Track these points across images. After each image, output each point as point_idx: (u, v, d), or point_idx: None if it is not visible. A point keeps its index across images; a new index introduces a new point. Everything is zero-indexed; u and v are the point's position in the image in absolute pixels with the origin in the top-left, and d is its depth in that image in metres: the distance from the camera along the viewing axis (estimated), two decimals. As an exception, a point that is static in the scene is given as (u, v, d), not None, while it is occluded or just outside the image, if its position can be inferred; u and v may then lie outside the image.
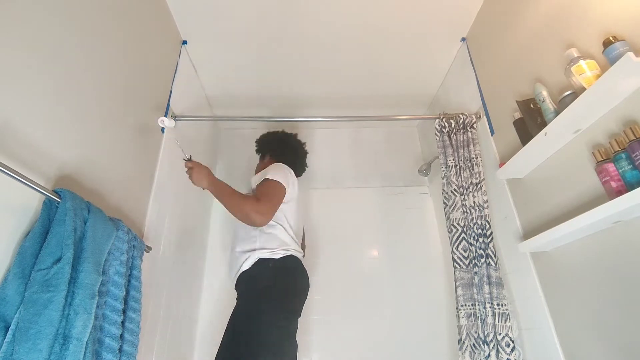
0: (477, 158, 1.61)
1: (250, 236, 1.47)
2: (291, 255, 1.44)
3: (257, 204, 1.33)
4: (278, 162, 1.69)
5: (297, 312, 1.42)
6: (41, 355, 0.71)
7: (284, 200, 1.47)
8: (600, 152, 0.98)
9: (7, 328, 0.71)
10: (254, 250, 1.41)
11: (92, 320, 0.82)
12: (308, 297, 1.51)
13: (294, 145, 1.89)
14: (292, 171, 1.62)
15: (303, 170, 1.93)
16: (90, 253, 0.86)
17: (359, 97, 2.35)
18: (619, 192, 0.90)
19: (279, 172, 1.51)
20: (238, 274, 1.44)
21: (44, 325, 0.72)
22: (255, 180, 1.58)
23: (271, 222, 1.42)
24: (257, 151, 1.93)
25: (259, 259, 1.40)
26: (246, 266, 1.40)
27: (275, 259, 1.40)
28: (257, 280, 1.37)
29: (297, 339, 1.38)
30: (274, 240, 1.43)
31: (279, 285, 1.35)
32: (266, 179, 1.47)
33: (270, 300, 1.31)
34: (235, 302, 1.45)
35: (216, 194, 1.40)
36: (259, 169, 1.81)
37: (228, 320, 1.39)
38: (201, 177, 1.40)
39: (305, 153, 1.94)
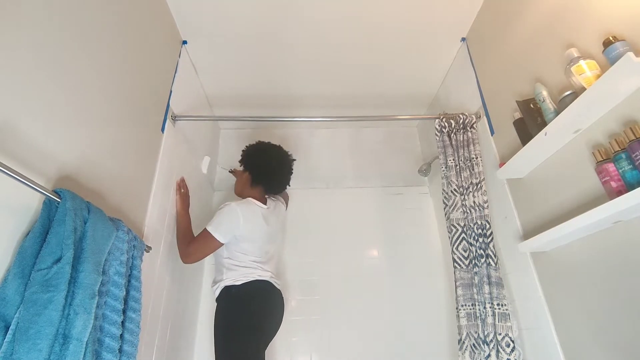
0: (477, 158, 1.61)
1: (217, 268, 1.64)
2: (255, 281, 1.53)
3: (186, 247, 1.55)
4: (253, 182, 1.73)
5: (259, 331, 1.49)
6: (41, 355, 0.71)
7: (239, 240, 1.56)
8: (600, 152, 0.98)
9: (7, 328, 0.71)
10: (221, 280, 1.56)
11: (92, 320, 0.82)
12: (308, 297, 1.53)
13: (273, 168, 1.74)
14: (249, 211, 1.59)
15: (284, 184, 1.81)
16: (90, 253, 0.86)
17: (359, 97, 2.36)
18: (619, 192, 0.90)
19: (220, 223, 1.54)
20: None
21: (44, 325, 0.72)
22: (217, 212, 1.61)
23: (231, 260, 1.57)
24: (240, 162, 1.81)
25: (225, 287, 1.54)
26: (217, 294, 1.57)
27: (237, 285, 1.52)
28: (221, 306, 1.54)
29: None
30: (237, 271, 1.55)
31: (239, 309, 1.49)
32: (205, 228, 1.55)
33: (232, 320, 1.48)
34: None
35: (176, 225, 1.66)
36: (237, 184, 1.82)
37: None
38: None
39: (287, 170, 1.80)
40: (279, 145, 1.84)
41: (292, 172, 1.82)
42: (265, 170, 1.72)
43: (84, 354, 0.80)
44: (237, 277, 1.53)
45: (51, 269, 0.76)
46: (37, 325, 0.71)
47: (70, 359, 0.75)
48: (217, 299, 1.56)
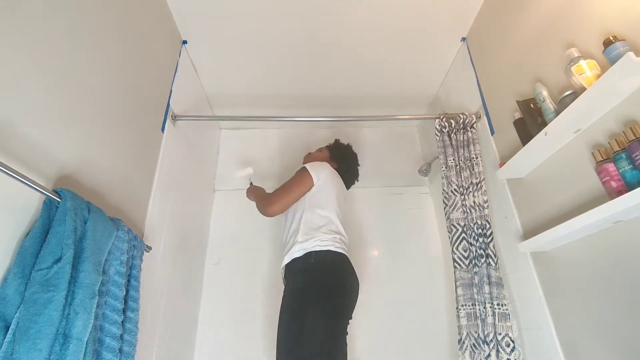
0: (477, 158, 1.61)
1: None
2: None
3: (271, 196, 1.66)
4: (331, 157, 1.95)
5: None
6: (41, 355, 0.71)
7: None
8: (600, 152, 0.98)
9: (7, 328, 0.71)
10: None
11: (92, 320, 0.82)
12: None
13: (351, 155, 2.01)
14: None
15: (352, 175, 1.98)
16: (90, 253, 0.86)
17: (359, 97, 2.35)
18: (619, 192, 0.90)
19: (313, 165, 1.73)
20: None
21: (44, 325, 0.72)
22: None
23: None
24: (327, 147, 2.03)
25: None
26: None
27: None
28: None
29: None
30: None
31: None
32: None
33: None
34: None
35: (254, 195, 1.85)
36: (310, 158, 1.97)
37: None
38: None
39: (354, 169, 2.01)
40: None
41: (356, 177, 2.01)
42: (344, 152, 1.96)
43: (84, 353, 0.80)
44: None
45: (51, 268, 0.76)
46: (37, 325, 0.71)
47: (70, 358, 0.75)
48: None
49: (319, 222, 1.54)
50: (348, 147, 2.01)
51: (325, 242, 1.47)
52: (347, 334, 1.46)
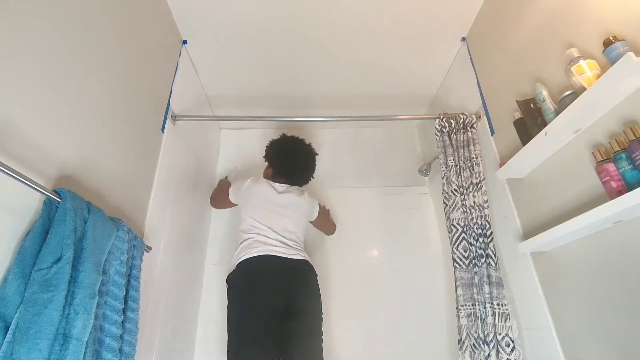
0: (477, 158, 1.61)
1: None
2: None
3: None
4: (267, 166, 1.99)
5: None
6: (41, 355, 0.71)
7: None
8: (600, 152, 0.98)
9: (7, 328, 0.71)
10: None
11: (92, 320, 0.82)
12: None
13: (281, 152, 1.96)
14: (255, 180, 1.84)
15: (295, 170, 1.93)
16: (90, 253, 0.86)
17: (359, 97, 2.35)
18: (619, 192, 0.90)
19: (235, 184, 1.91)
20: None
21: (44, 325, 0.72)
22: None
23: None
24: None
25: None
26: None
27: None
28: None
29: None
30: None
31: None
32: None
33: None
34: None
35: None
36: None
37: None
38: None
39: (299, 157, 1.94)
40: (300, 139, 2.00)
41: (308, 164, 1.96)
42: (273, 154, 1.94)
43: (84, 353, 0.80)
44: None
45: (51, 268, 0.76)
46: (37, 325, 0.71)
47: (70, 358, 0.75)
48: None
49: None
50: (273, 146, 1.96)
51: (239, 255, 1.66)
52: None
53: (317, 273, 1.72)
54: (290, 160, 1.91)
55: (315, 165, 2.00)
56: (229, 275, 1.65)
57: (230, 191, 1.86)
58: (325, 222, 2.04)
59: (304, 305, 1.57)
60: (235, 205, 1.89)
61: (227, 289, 1.62)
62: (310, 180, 1.99)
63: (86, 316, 0.80)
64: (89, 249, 0.86)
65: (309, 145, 2.00)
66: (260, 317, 1.49)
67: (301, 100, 2.37)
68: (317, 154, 2.00)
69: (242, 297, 1.54)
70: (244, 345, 1.44)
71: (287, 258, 1.61)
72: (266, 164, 1.99)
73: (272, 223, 1.69)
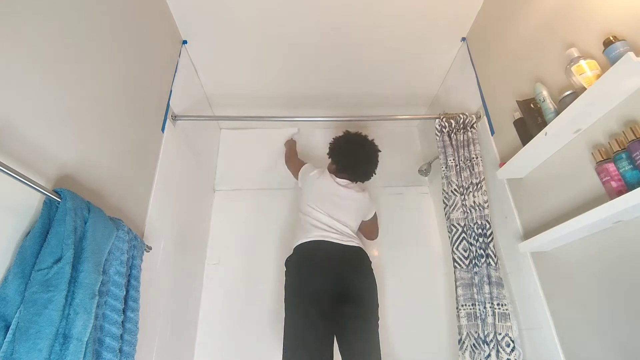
0: (477, 158, 1.61)
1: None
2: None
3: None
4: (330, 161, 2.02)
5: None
6: (41, 355, 0.71)
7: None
8: (600, 152, 0.98)
9: (7, 328, 0.71)
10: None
11: (92, 320, 0.82)
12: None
13: (341, 146, 1.99)
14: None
15: (356, 164, 1.94)
16: (90, 253, 0.86)
17: (359, 97, 2.36)
18: (620, 192, 0.90)
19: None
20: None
21: (44, 325, 0.72)
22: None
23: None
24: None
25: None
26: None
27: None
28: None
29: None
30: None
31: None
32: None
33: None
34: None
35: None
36: None
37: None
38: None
39: (359, 150, 1.96)
40: (363, 135, 2.00)
41: (370, 159, 1.96)
42: (336, 150, 1.96)
43: (84, 353, 0.80)
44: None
45: (51, 268, 0.76)
46: (37, 325, 0.71)
47: (70, 358, 0.75)
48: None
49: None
50: (336, 142, 2.00)
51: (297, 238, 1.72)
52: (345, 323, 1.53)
53: (371, 260, 1.73)
54: (351, 156, 1.93)
55: (377, 161, 1.99)
56: (287, 258, 1.71)
57: (300, 172, 1.94)
58: (373, 225, 2.06)
59: (357, 290, 1.59)
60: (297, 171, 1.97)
61: (285, 271, 1.67)
62: (372, 176, 1.99)
63: (86, 316, 0.80)
64: (89, 249, 0.86)
65: (371, 141, 2.00)
66: (313, 296, 1.52)
67: (301, 100, 2.37)
68: (379, 151, 2.00)
69: (296, 277, 1.59)
70: (296, 322, 1.49)
71: (341, 244, 1.64)
72: (329, 160, 2.00)
73: (330, 212, 1.73)
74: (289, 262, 1.69)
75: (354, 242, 1.68)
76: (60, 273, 0.77)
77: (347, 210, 1.78)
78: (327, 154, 2.00)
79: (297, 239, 1.71)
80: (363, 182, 1.98)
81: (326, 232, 1.66)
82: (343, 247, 1.63)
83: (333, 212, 1.73)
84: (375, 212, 2.02)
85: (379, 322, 1.59)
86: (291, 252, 1.70)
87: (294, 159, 2.19)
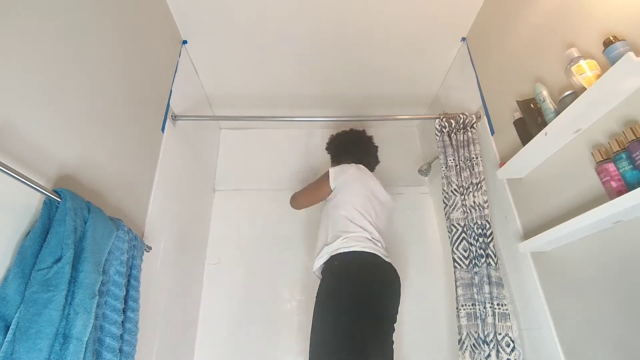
0: (477, 158, 1.61)
1: None
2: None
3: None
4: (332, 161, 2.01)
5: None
6: (41, 355, 0.71)
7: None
8: (600, 152, 0.98)
9: (7, 327, 0.71)
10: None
11: (92, 320, 0.82)
12: (309, 296, 1.53)
13: (340, 142, 2.00)
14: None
15: (361, 153, 1.94)
16: (90, 253, 0.86)
17: (359, 97, 2.35)
18: (620, 192, 0.90)
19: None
20: None
21: (44, 325, 0.72)
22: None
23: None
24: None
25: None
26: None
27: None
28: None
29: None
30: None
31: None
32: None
33: None
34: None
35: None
36: None
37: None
38: None
39: (360, 141, 1.98)
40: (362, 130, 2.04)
41: (375, 153, 1.98)
42: (350, 145, 1.95)
43: (84, 353, 0.80)
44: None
45: (51, 268, 0.76)
46: (37, 325, 0.71)
47: (70, 358, 0.75)
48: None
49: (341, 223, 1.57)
50: (347, 135, 1.99)
51: (348, 244, 1.50)
52: (386, 337, 1.45)
53: None
54: (364, 147, 1.94)
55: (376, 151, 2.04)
56: (332, 262, 1.50)
57: (333, 173, 1.70)
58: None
59: (394, 312, 1.52)
60: (326, 196, 1.73)
61: (330, 275, 1.49)
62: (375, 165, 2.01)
63: (86, 316, 0.80)
64: (89, 248, 0.86)
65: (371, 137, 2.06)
66: (376, 313, 1.43)
67: (301, 100, 2.37)
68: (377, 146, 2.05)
69: (354, 288, 1.42)
70: (351, 340, 1.33)
71: (386, 261, 1.53)
72: (333, 158, 1.98)
73: (374, 220, 1.61)
74: (338, 268, 1.48)
75: (389, 258, 1.56)
76: (60, 273, 0.77)
77: (385, 216, 1.71)
78: (332, 150, 1.99)
79: (345, 245, 1.49)
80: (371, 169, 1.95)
81: (374, 244, 1.53)
82: (389, 265, 1.53)
83: (376, 220, 1.61)
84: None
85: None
86: (332, 254, 1.50)
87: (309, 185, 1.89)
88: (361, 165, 1.80)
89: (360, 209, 1.59)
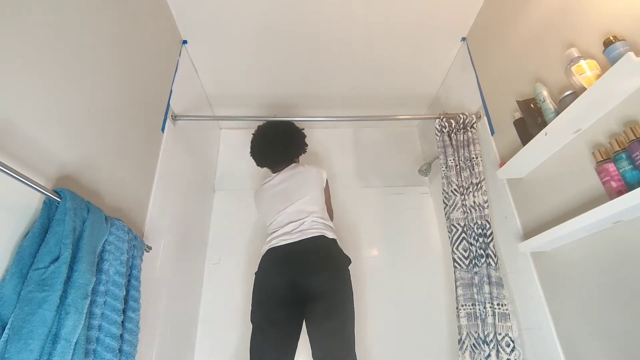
0: (477, 158, 1.61)
1: None
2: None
3: None
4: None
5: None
6: (32, 355, 0.70)
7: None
8: (600, 152, 0.98)
9: (4, 327, 0.70)
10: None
11: (83, 321, 0.81)
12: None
13: (251, 147, 1.87)
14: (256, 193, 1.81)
15: (266, 155, 1.80)
16: (85, 253, 0.86)
17: (359, 97, 2.35)
18: (619, 192, 0.90)
19: None
20: None
21: (37, 325, 0.71)
22: None
23: None
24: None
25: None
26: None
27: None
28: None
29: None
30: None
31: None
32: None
33: None
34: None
35: None
36: None
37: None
38: None
39: (264, 141, 1.81)
40: (267, 122, 1.90)
41: (276, 140, 1.78)
42: (252, 147, 1.86)
43: (74, 354, 0.78)
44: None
45: (48, 268, 0.76)
46: (30, 325, 0.71)
47: (57, 359, 0.73)
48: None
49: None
50: (257, 131, 1.87)
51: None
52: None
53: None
54: (256, 148, 1.82)
55: (289, 135, 1.81)
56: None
57: (255, 201, 1.83)
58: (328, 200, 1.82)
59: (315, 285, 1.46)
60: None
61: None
62: (294, 150, 1.82)
63: (77, 316, 0.79)
64: (85, 249, 0.86)
65: (274, 122, 1.88)
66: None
67: (301, 100, 2.37)
68: (289, 126, 1.85)
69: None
70: None
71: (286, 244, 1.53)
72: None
73: (279, 206, 1.63)
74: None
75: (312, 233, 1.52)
76: (57, 272, 0.77)
77: (292, 192, 1.64)
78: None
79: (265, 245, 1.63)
80: (289, 161, 1.79)
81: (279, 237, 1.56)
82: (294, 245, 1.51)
83: (281, 205, 1.62)
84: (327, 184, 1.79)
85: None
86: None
87: None
88: (260, 186, 1.79)
89: (268, 217, 1.67)
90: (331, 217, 1.75)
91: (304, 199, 1.62)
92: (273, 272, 1.52)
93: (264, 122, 1.91)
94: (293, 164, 1.79)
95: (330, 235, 1.56)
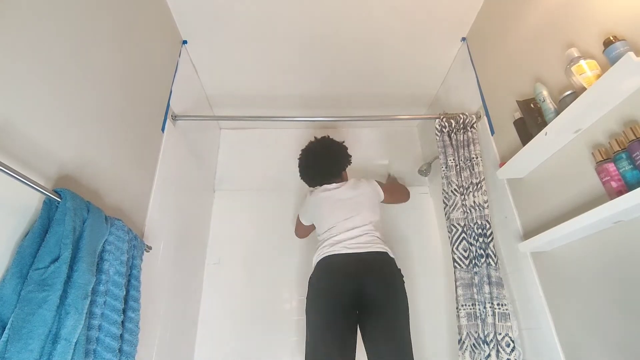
0: (477, 158, 1.61)
1: None
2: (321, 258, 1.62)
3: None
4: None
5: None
6: (32, 356, 0.69)
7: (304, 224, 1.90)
8: (600, 152, 0.98)
9: (4, 328, 0.70)
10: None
11: (83, 321, 0.81)
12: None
13: (299, 166, 1.95)
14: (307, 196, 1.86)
15: (315, 172, 1.88)
16: (85, 253, 0.86)
17: (359, 97, 2.35)
18: (620, 192, 0.90)
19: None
20: None
21: (37, 325, 0.71)
22: None
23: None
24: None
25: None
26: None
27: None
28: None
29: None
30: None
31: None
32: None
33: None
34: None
35: None
36: None
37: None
38: None
39: (311, 159, 1.91)
40: (315, 140, 1.99)
41: (323, 158, 1.87)
42: (299, 165, 1.95)
43: (74, 354, 0.78)
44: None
45: (48, 268, 0.76)
46: (30, 325, 0.71)
47: (57, 359, 0.73)
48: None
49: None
50: (302, 154, 1.96)
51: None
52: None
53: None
54: (302, 166, 1.91)
55: (335, 151, 1.90)
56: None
57: (299, 213, 1.92)
58: (394, 193, 1.97)
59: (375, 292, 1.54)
60: (308, 233, 1.98)
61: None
62: (340, 165, 1.89)
63: (77, 316, 0.79)
64: (85, 249, 0.86)
65: (323, 138, 1.97)
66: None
67: (301, 100, 2.37)
68: (337, 143, 1.94)
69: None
70: None
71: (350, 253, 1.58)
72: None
73: (339, 216, 1.69)
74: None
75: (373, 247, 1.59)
76: (57, 272, 0.77)
77: (352, 208, 1.71)
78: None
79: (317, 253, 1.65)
80: (336, 177, 1.86)
81: (340, 245, 1.60)
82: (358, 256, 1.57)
83: (347, 213, 1.67)
84: (389, 178, 2.06)
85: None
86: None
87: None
88: (315, 189, 1.84)
89: (326, 222, 1.70)
90: (407, 197, 2.05)
91: (366, 213, 1.71)
92: (338, 277, 1.53)
93: (308, 144, 1.98)
94: (353, 180, 1.86)
95: (391, 254, 1.64)
